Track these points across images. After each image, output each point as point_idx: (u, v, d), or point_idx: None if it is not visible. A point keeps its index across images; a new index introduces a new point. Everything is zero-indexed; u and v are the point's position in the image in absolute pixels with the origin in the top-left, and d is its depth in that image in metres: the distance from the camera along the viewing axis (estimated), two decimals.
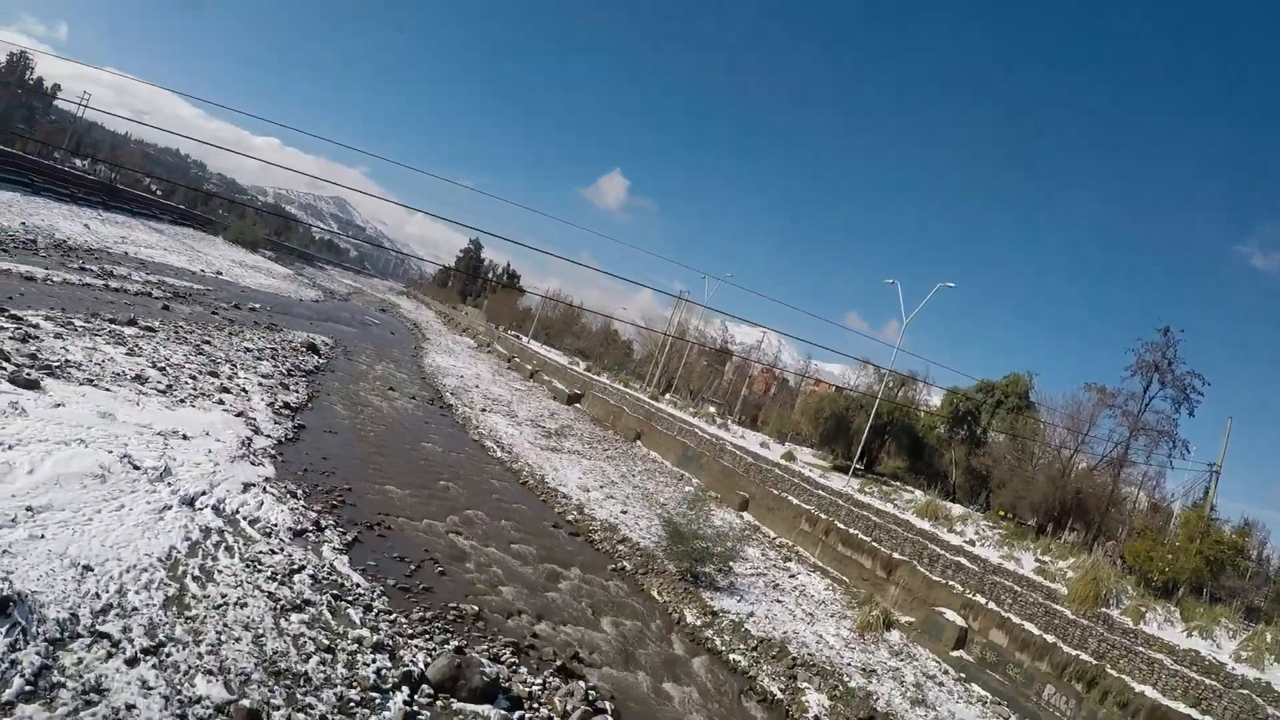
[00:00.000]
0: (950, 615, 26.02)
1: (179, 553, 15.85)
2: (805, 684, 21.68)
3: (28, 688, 10.18)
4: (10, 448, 16.78)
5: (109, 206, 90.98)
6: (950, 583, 27.23)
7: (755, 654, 22.95)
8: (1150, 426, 36.13)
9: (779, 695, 21.03)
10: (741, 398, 70.40)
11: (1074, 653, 22.92)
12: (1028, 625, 24.31)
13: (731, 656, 22.70)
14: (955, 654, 25.21)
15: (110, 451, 18.78)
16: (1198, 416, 36.38)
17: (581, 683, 17.29)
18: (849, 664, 23.45)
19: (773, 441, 48.31)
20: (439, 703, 14.46)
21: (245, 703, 11.53)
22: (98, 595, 12.92)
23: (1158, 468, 37.37)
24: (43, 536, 13.92)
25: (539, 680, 17.08)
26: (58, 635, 11.44)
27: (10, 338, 25.50)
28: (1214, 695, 19.61)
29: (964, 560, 27.42)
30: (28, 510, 14.60)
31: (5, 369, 21.58)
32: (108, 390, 24.01)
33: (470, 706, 14.66)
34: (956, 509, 34.17)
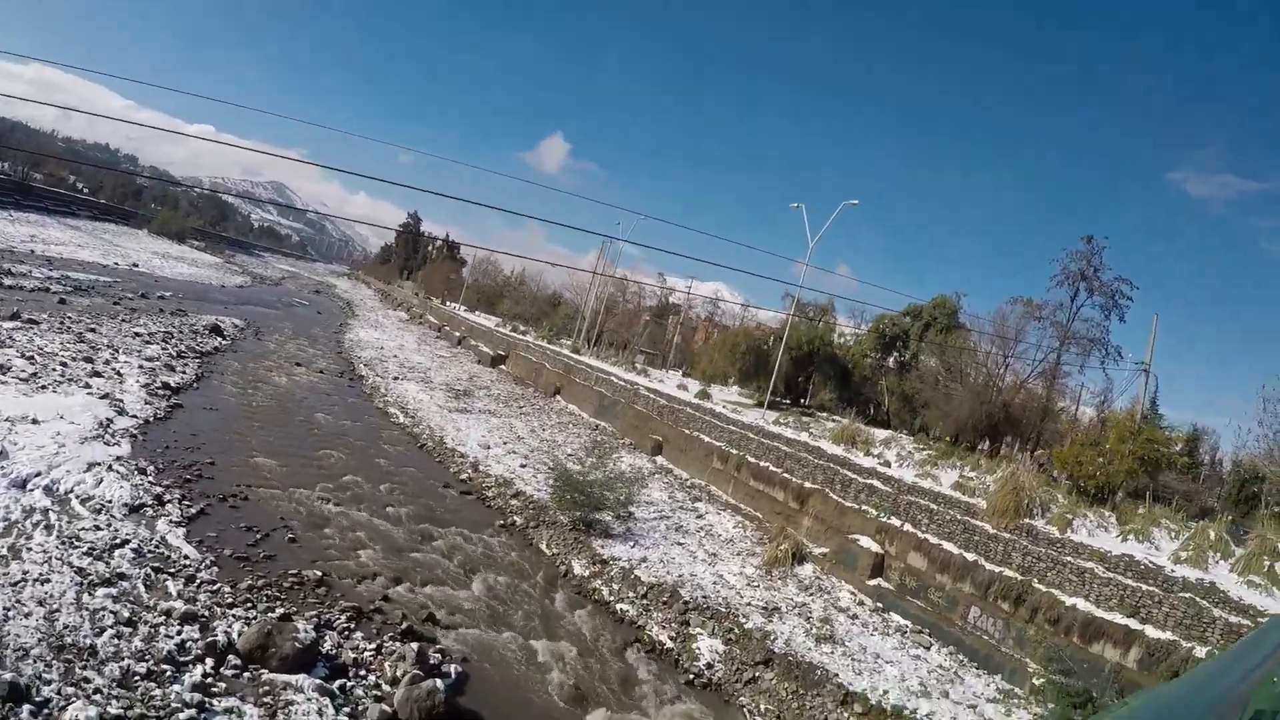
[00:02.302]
0: (865, 542, 23.86)
1: None
2: (698, 629, 19.82)
3: None
4: None
5: (21, 206, 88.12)
6: (864, 507, 25.16)
7: (645, 602, 21.16)
8: (1080, 335, 35.10)
9: (668, 644, 19.31)
10: (675, 346, 68.21)
11: (997, 569, 20.92)
12: (946, 545, 22.29)
13: (619, 606, 20.98)
14: (872, 583, 23.17)
15: None
16: (1129, 322, 35.88)
17: (415, 645, 15.50)
18: (749, 604, 21.45)
19: (695, 384, 45.70)
20: (247, 674, 13.41)
21: (7, 676, 10.75)
22: None
23: (1105, 385, 36.22)
24: None
25: (373, 645, 15.65)
26: None
27: None
28: (1153, 602, 17.68)
29: (877, 483, 25.35)
30: None
31: None
32: None
33: (282, 676, 13.52)
34: (881, 433, 32.25)
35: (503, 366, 63.42)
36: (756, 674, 18.08)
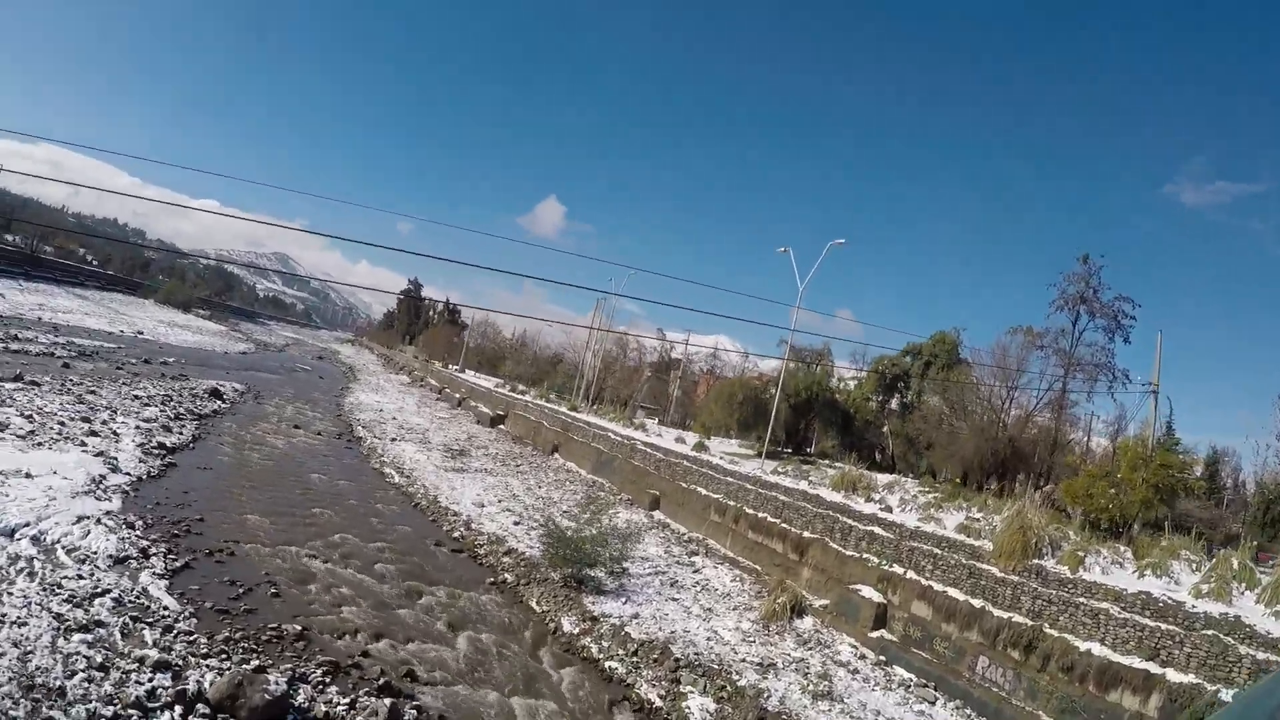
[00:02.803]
0: (866, 592, 22.97)
1: None
2: (689, 687, 18.86)
3: None
4: None
5: (30, 276, 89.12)
6: (865, 556, 24.32)
7: (635, 659, 20.26)
8: (1085, 361, 34.42)
9: (657, 702, 18.34)
10: (676, 401, 67.58)
11: (1006, 615, 19.78)
12: (951, 591, 21.24)
13: (608, 664, 20.09)
14: (875, 634, 22.19)
15: None
16: (1134, 343, 34.88)
17: (388, 701, 15.12)
18: (744, 660, 20.53)
19: (693, 436, 44.93)
20: None
21: None
22: None
23: (1118, 412, 35.51)
24: None
25: (348, 700, 15.19)
26: None
27: None
28: (1173, 642, 16.52)
29: (878, 529, 24.52)
30: None
31: None
32: None
33: None
34: (884, 478, 31.40)
35: (502, 426, 63.07)
36: None
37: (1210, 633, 15.82)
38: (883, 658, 21.44)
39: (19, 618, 14.37)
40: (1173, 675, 15.94)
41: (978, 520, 23.51)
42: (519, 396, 67.11)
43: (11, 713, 11.51)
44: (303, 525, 26.62)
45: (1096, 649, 17.46)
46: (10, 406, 29.99)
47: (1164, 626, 16.62)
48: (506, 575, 25.56)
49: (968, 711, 18.83)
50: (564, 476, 44.53)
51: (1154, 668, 16.30)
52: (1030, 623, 19.03)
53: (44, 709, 11.85)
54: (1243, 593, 17.17)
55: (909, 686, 19.96)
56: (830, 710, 18.01)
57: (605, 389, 74.35)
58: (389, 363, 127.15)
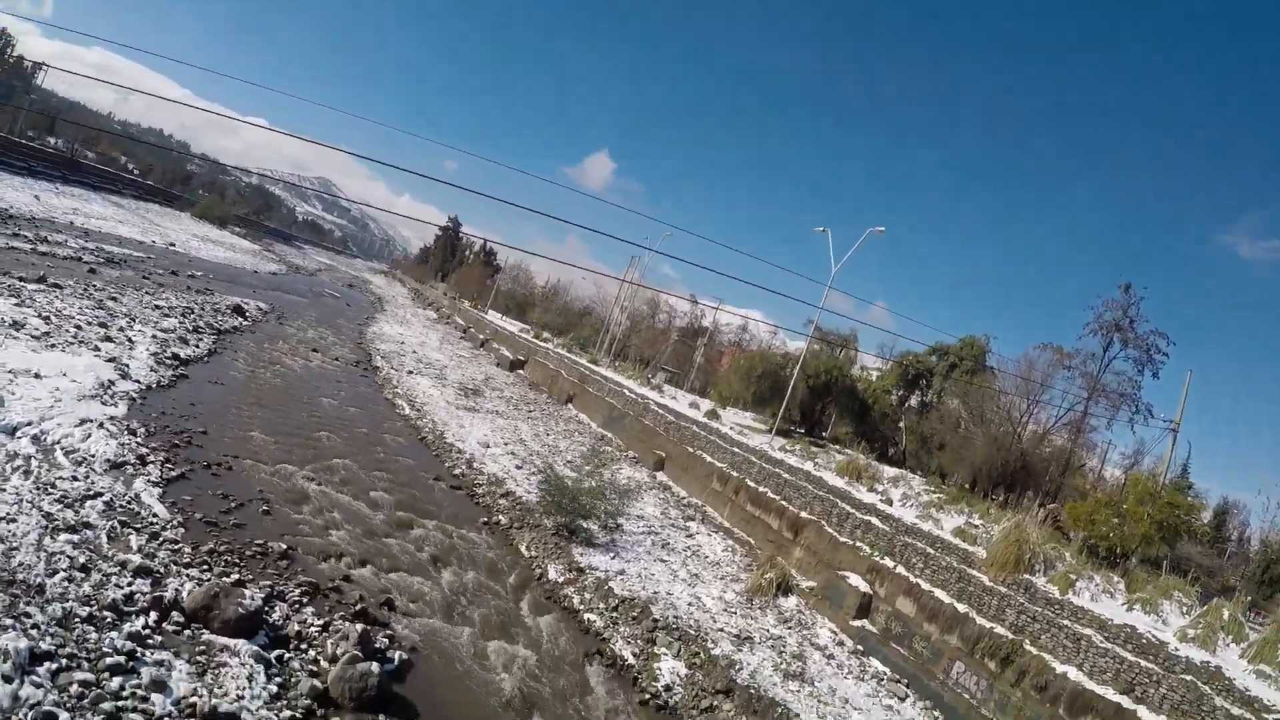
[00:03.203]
0: (854, 580, 22.85)
1: None
2: (663, 649, 18.96)
3: None
4: None
5: (68, 180, 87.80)
6: (858, 544, 24.10)
7: (614, 614, 20.40)
8: (1110, 388, 33.73)
9: (630, 660, 18.56)
10: (699, 368, 67.31)
11: (988, 625, 19.47)
12: (938, 593, 21.01)
13: (587, 616, 20.31)
14: (857, 623, 22.03)
15: None
16: (1163, 380, 34.15)
17: (360, 626, 15.25)
18: (722, 630, 20.52)
19: (708, 404, 44.72)
20: (187, 632, 13.50)
21: None
22: None
23: (1136, 447, 34.88)
24: None
25: (322, 622, 15.48)
26: None
27: None
28: (1150, 680, 15.92)
29: (875, 520, 24.24)
30: None
31: None
32: None
33: (221, 639, 13.54)
34: (891, 471, 30.99)
35: (520, 371, 63.12)
36: (715, 703, 17.12)
37: (1189, 678, 15.37)
38: (860, 648, 21.28)
39: (8, 514, 14.67)
40: (1145, 713, 15.54)
41: (976, 527, 23.12)
42: (542, 344, 66.96)
43: None
44: (305, 447, 26.88)
45: (1073, 673, 17.08)
46: (29, 307, 30.07)
47: (1143, 663, 16.16)
48: (500, 517, 25.78)
49: (936, 714, 18.64)
50: (574, 427, 44.61)
51: (1127, 702, 15.88)
52: (1011, 636, 18.69)
53: (21, 604, 12.07)
54: (1229, 644, 16.68)
55: (882, 680, 19.81)
56: (799, 691, 17.96)
57: (630, 347, 74.20)
58: (419, 297, 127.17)
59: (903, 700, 18.99)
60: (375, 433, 32.28)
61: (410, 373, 48.87)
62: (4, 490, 15.52)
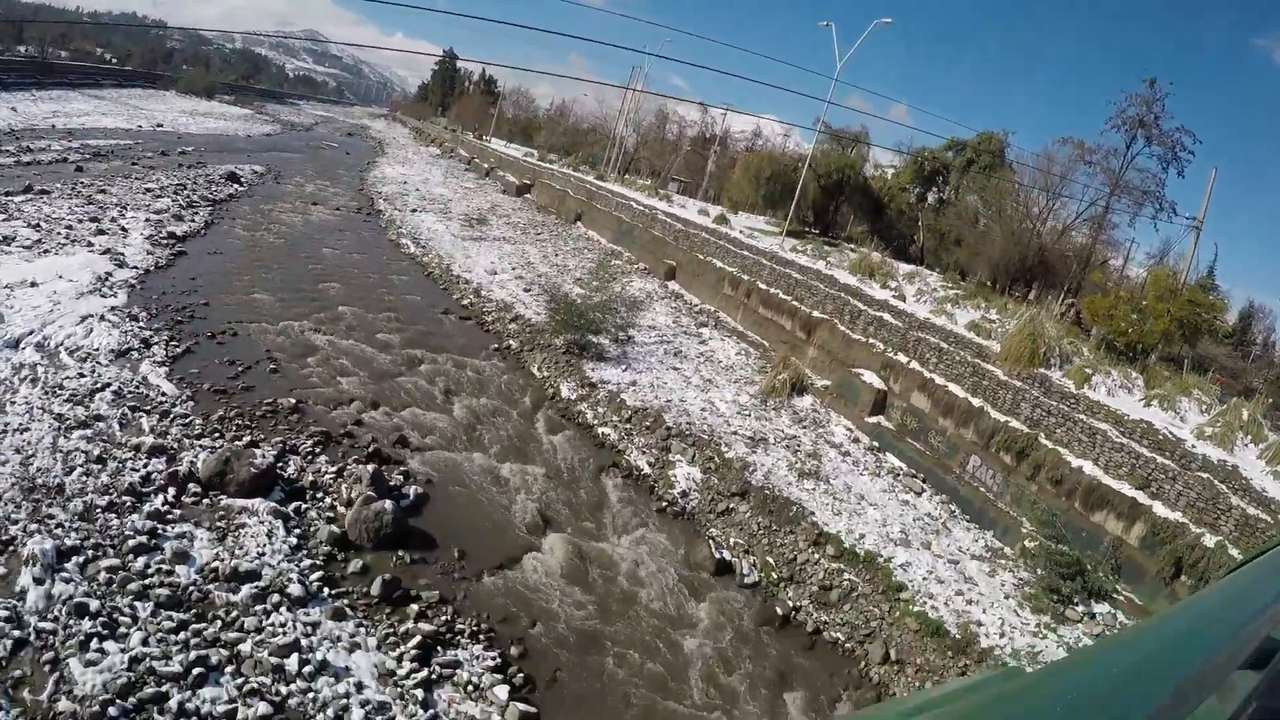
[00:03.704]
0: (868, 377, 22.74)
1: None
2: (678, 456, 19.26)
3: None
4: None
5: (42, 85, 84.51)
6: (871, 341, 23.90)
7: (628, 426, 20.66)
8: (1133, 185, 32.63)
9: (646, 470, 18.96)
10: (711, 176, 65.62)
11: (1003, 419, 19.29)
12: (952, 387, 20.82)
13: (601, 430, 20.61)
14: (872, 420, 22.09)
15: None
16: (1188, 179, 33.25)
17: (370, 467, 15.54)
18: (736, 433, 20.65)
19: (720, 210, 43.59)
20: (206, 500, 13.93)
21: None
22: None
23: (1161, 246, 33.94)
24: None
25: (335, 469, 15.85)
26: None
27: None
28: (1166, 476, 15.71)
29: (887, 316, 23.93)
30: None
31: None
32: None
33: (239, 501, 13.97)
34: (906, 267, 30.37)
35: (528, 195, 62.01)
36: (731, 505, 17.49)
37: (1205, 476, 15.12)
38: (876, 444, 21.41)
39: (21, 424, 14.96)
40: (1160, 509, 15.47)
41: (993, 321, 22.54)
42: (547, 166, 65.30)
43: (14, 515, 12.14)
44: (309, 300, 26.84)
45: (1088, 468, 16.99)
46: (18, 219, 29.32)
47: (1160, 459, 15.95)
48: (511, 342, 25.90)
49: (952, 507, 18.76)
50: (583, 245, 44.17)
51: (1143, 498, 15.80)
52: (1026, 430, 18.55)
53: (44, 507, 12.51)
54: (1247, 445, 16.23)
55: (898, 475, 19.95)
56: (814, 489, 18.20)
57: (639, 160, 72.29)
58: (420, 135, 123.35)
59: (919, 495, 19.11)
60: (380, 276, 32.12)
61: (414, 211, 48.18)
62: (14, 403, 15.73)
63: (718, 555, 15.73)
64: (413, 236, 40.29)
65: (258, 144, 76.68)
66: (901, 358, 22.41)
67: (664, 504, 17.56)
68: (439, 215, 47.88)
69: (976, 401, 19.93)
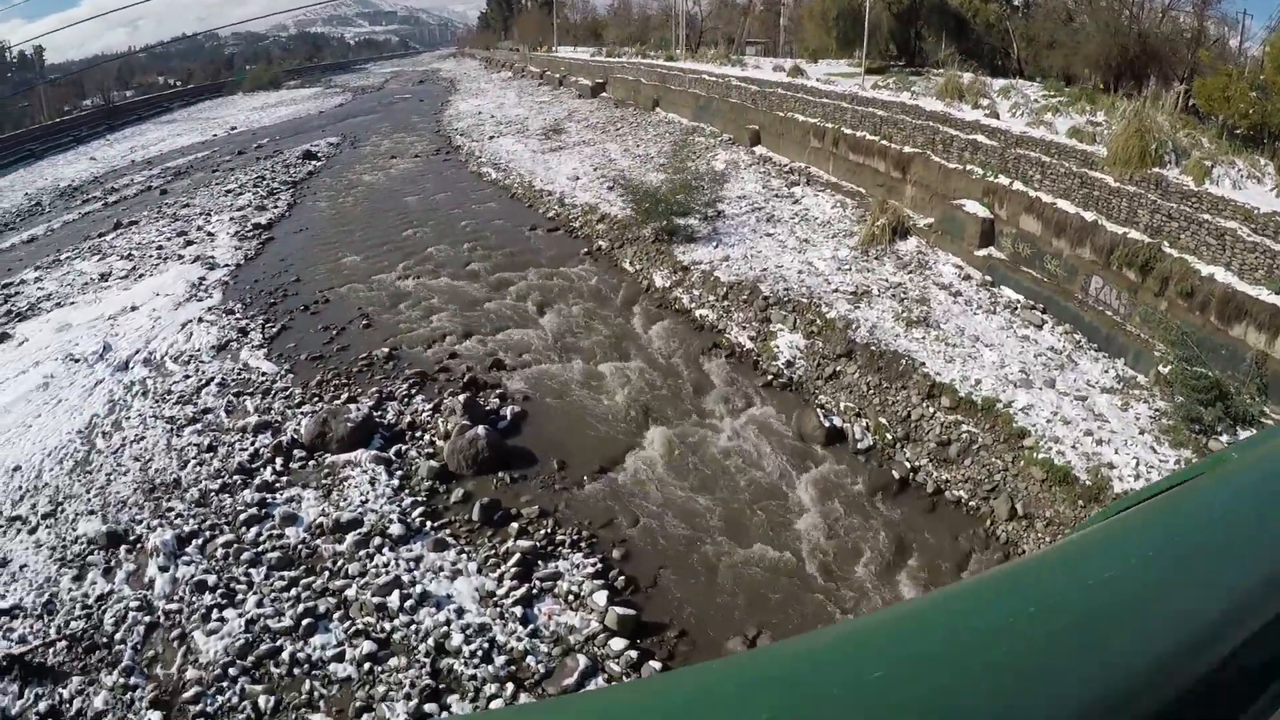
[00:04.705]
0: (970, 207, 21.01)
1: (98, 417, 17.01)
2: (779, 325, 18.55)
3: None
4: None
5: (114, 128, 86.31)
6: (969, 167, 21.89)
7: (725, 303, 20.02)
8: None
9: (748, 345, 18.34)
10: (783, 31, 62.22)
11: (1120, 231, 16.96)
12: (1060, 203, 18.63)
13: (699, 312, 20.07)
14: (981, 253, 20.40)
15: (56, 359, 20.53)
16: None
17: (462, 396, 15.83)
18: (836, 290, 19.59)
19: (794, 63, 41.15)
20: (311, 461, 14.62)
21: (103, 528, 12.80)
22: (19, 487, 14.78)
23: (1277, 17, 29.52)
24: None
25: (431, 405, 16.21)
26: None
27: None
28: None
29: (981, 137, 21.77)
30: None
31: None
32: (72, 304, 25.38)
33: (342, 456, 14.59)
34: (999, 82, 27.65)
35: (603, 94, 60.19)
36: (837, 368, 16.65)
37: None
38: (989, 278, 19.69)
39: (137, 435, 16.00)
40: None
41: (1098, 124, 20.01)
42: (617, 60, 63.23)
43: (138, 516, 13.13)
44: (396, 251, 27.25)
45: (1220, 274, 14.40)
46: (111, 255, 30.54)
47: None
48: (600, 242, 25.53)
49: (1077, 337, 16.97)
50: (664, 130, 42.61)
51: None
52: (1147, 240, 16.22)
53: (164, 502, 13.48)
54: None
55: (1015, 309, 18.25)
56: (924, 337, 16.91)
57: (709, 32, 69.33)
58: (490, 64, 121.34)
59: (1039, 327, 17.46)
60: (464, 208, 32.23)
61: (491, 138, 47.68)
62: (129, 418, 16.86)
63: (827, 424, 14.94)
64: (493, 163, 40.08)
65: (330, 117, 76.97)
66: (1003, 180, 20.32)
67: (769, 377, 16.93)
68: (517, 135, 47.34)
69: (1089, 215, 17.61)
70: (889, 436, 14.65)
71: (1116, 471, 12.47)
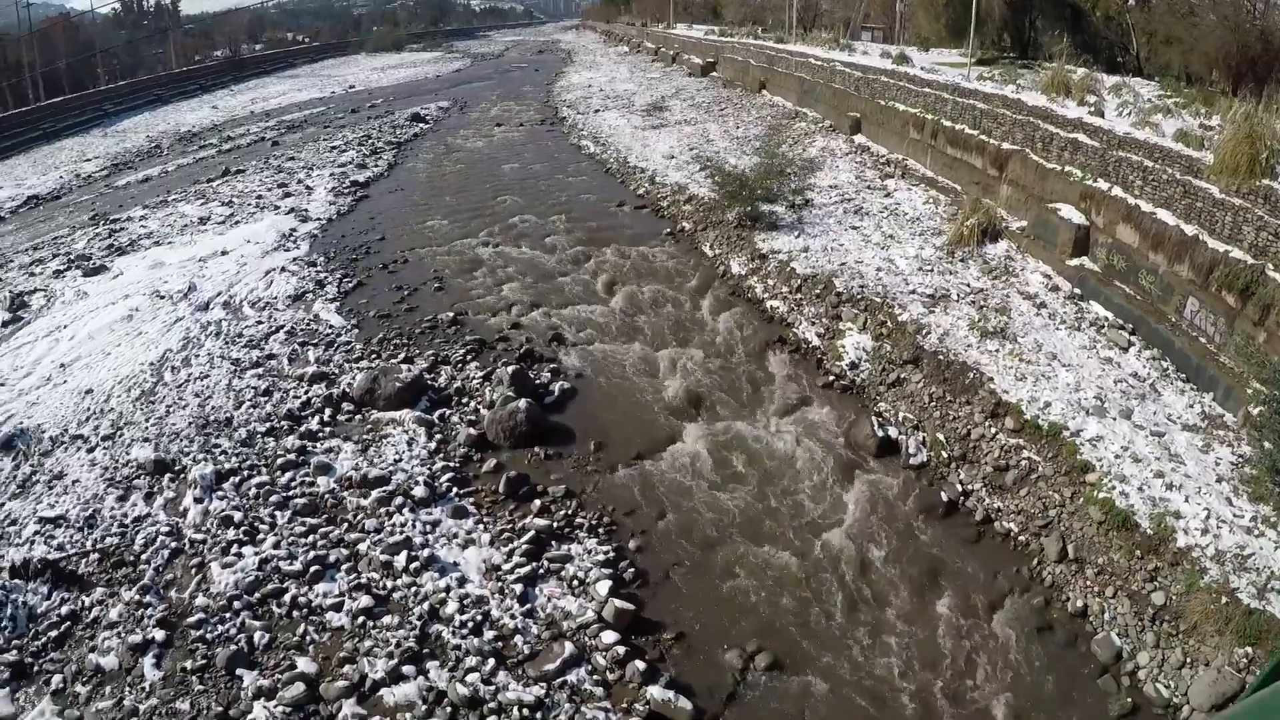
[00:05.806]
0: (1065, 212, 19.55)
1: (171, 352, 17.94)
2: (849, 324, 17.89)
3: (16, 489, 13.25)
4: (65, 326, 19.96)
5: (239, 79, 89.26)
6: (1066, 168, 20.35)
7: (798, 295, 19.50)
8: None
9: (814, 341, 17.76)
10: (899, 16, 60.39)
11: (1222, 248, 14.76)
12: (1160, 214, 16.60)
13: (770, 304, 19.58)
14: (1074, 263, 18.97)
15: (144, 294, 21.55)
16: None
17: (511, 368, 15.85)
18: (914, 291, 18.65)
19: (910, 51, 39.73)
20: (358, 416, 15.08)
21: (153, 456, 13.64)
22: (88, 409, 15.75)
23: None
24: (65, 382, 16.97)
25: (483, 373, 16.44)
26: (49, 448, 14.38)
27: (99, 238, 27.76)
28: None
29: (1082, 137, 20.13)
30: (60, 367, 17.68)
31: (85, 265, 24.67)
32: (170, 244, 26.62)
33: (388, 414, 14.97)
34: (1110, 79, 26.07)
35: (713, 74, 60.07)
36: (902, 375, 15.88)
37: None
38: (1078, 291, 18.20)
39: (203, 372, 17.01)
40: None
41: (1210, 128, 17.99)
42: (729, 40, 62.70)
43: (186, 449, 13.98)
44: (482, 217, 27.72)
45: None
46: (213, 200, 31.82)
47: None
48: (685, 224, 25.40)
49: (1164, 364, 15.19)
50: (767, 113, 41.95)
51: None
52: (1251, 260, 14.05)
53: (213, 439, 14.30)
54: None
55: (1101, 328, 16.66)
56: (998, 350, 15.75)
57: (823, 14, 67.82)
58: (609, 37, 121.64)
59: (1125, 350, 15.84)
60: (558, 180, 32.51)
61: (596, 111, 48.05)
62: (198, 356, 17.78)
63: (880, 433, 14.19)
64: (593, 137, 40.32)
65: (446, 81, 77.95)
66: (1102, 184, 18.56)
67: (830, 378, 16.30)
68: (621, 110, 47.43)
69: (1190, 229, 15.55)
70: (944, 454, 13.77)
71: (1183, 523, 11.02)
